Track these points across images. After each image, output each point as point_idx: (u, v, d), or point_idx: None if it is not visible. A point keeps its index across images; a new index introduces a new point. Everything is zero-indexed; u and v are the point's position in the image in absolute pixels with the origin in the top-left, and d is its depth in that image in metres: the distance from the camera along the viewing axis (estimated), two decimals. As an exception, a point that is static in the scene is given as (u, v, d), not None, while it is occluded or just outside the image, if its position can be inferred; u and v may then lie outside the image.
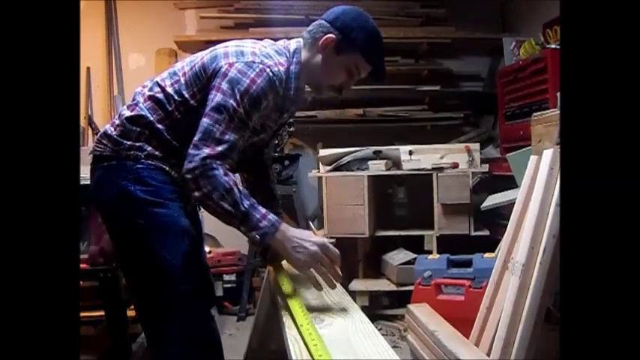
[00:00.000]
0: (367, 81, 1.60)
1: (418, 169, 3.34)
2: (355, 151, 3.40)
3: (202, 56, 1.47)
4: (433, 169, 3.27)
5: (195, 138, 1.33)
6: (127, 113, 1.45)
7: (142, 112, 1.43)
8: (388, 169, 3.35)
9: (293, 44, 1.51)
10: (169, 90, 1.44)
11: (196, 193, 1.32)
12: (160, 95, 1.45)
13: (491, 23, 4.08)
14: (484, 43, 4.01)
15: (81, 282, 1.94)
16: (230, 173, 1.34)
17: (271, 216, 1.34)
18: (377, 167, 3.32)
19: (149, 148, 1.42)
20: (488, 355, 1.74)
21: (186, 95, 1.43)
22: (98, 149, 1.47)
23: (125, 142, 1.42)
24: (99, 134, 1.50)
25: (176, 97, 1.44)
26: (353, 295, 3.07)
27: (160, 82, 1.47)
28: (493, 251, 2.45)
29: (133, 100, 1.49)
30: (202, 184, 1.31)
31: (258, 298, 2.37)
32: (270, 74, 1.37)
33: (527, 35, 3.33)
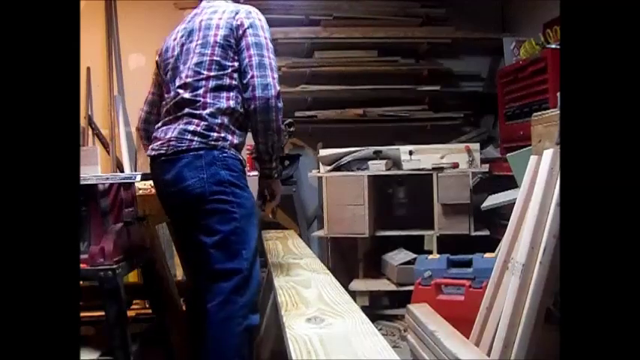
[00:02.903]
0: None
1: (418, 169, 3.34)
2: (355, 151, 3.40)
3: (213, 33, 1.72)
4: (433, 169, 3.26)
5: (254, 71, 1.67)
6: (204, 112, 1.67)
7: (216, 104, 1.67)
8: (388, 169, 3.35)
9: None
10: (213, 73, 1.69)
11: (272, 122, 1.68)
12: (213, 82, 1.69)
13: (491, 23, 4.07)
14: (484, 43, 4.01)
15: (81, 282, 1.94)
16: None
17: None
18: (377, 167, 3.31)
19: (230, 138, 1.68)
20: (489, 355, 1.74)
21: (229, 63, 1.71)
22: (183, 144, 1.65)
23: (212, 134, 1.65)
24: (175, 135, 1.68)
25: (225, 71, 1.70)
26: (353, 295, 3.07)
27: (197, 78, 1.70)
28: (493, 251, 2.45)
29: (195, 103, 1.68)
30: (279, 116, 1.69)
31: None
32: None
33: (527, 35, 3.33)
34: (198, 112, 1.67)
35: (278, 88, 1.68)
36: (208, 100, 1.68)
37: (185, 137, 1.66)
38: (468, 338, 1.89)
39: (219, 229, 1.64)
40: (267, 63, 1.68)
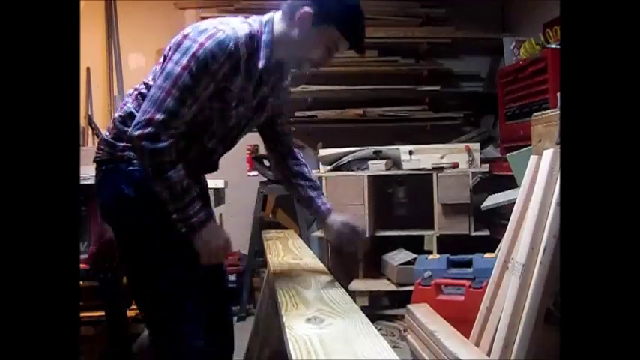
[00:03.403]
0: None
1: (418, 169, 3.34)
2: (355, 151, 3.40)
3: (174, 40, 1.45)
4: (433, 169, 3.26)
5: (144, 104, 1.34)
6: (117, 115, 1.49)
7: (130, 110, 1.45)
8: (388, 169, 3.35)
9: (266, 16, 1.49)
10: (151, 83, 1.43)
11: (144, 167, 1.34)
12: (144, 90, 1.46)
13: (491, 23, 4.08)
14: (484, 43, 4.01)
15: (81, 282, 1.94)
16: (170, 147, 1.33)
17: (202, 214, 1.38)
18: (377, 167, 3.31)
19: None
20: (489, 355, 1.74)
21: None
22: (97, 155, 1.50)
23: (118, 144, 1.44)
24: (98, 141, 1.56)
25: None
26: (353, 295, 3.07)
27: (145, 80, 1.50)
28: (493, 251, 2.45)
29: (123, 103, 1.52)
30: (147, 162, 1.33)
31: (258, 298, 2.37)
32: (222, 36, 1.34)
33: (527, 35, 3.33)
34: (116, 114, 1.51)
35: (152, 130, 1.30)
36: (128, 104, 1.47)
37: (100, 146, 1.50)
38: (468, 338, 1.89)
39: (125, 255, 1.49)
40: (157, 97, 1.32)
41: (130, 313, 2.42)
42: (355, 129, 3.87)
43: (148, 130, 1.30)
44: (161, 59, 1.47)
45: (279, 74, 1.55)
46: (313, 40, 1.45)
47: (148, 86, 1.45)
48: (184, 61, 1.32)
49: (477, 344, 1.85)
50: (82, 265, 1.70)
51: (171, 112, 1.32)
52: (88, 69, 3.89)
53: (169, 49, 1.41)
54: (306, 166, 1.74)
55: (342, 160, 3.39)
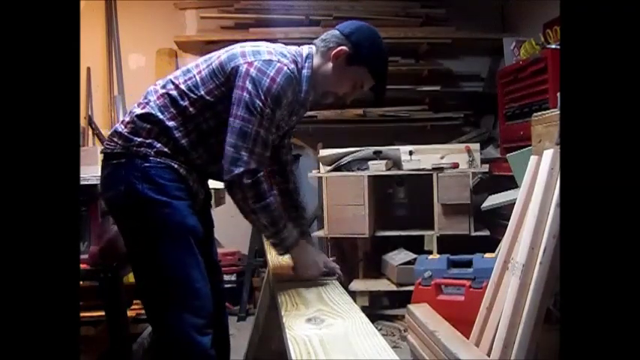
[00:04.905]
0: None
1: (418, 169, 3.34)
2: (355, 151, 3.40)
3: (219, 55, 1.52)
4: (433, 169, 3.27)
5: (231, 139, 1.40)
6: (138, 111, 1.49)
7: (153, 110, 1.47)
8: (388, 169, 3.35)
9: (305, 50, 1.58)
10: (183, 87, 1.48)
11: (240, 202, 1.43)
12: (174, 92, 1.49)
13: (491, 23, 4.08)
14: (484, 43, 4.01)
15: (81, 282, 1.94)
16: (264, 175, 1.44)
17: (294, 233, 1.53)
18: (377, 167, 3.31)
19: (158, 145, 1.45)
20: (489, 355, 1.74)
21: (202, 92, 1.47)
22: (109, 147, 1.49)
23: (135, 138, 1.45)
24: (110, 132, 1.53)
25: (191, 94, 1.47)
26: (353, 295, 3.07)
27: (173, 80, 1.52)
28: (493, 251, 2.45)
29: (145, 98, 1.52)
30: (250, 195, 1.41)
31: (258, 298, 2.37)
32: (288, 72, 1.44)
33: (528, 35, 3.33)
34: (135, 109, 1.50)
35: (254, 166, 1.39)
36: (152, 103, 1.48)
37: (113, 138, 1.49)
38: (468, 338, 1.89)
39: (134, 250, 1.50)
40: (247, 132, 1.39)
41: (130, 313, 2.42)
42: (355, 129, 3.88)
43: (253, 166, 1.40)
44: (198, 64, 1.53)
45: (307, 105, 1.66)
46: (345, 76, 1.56)
47: (177, 88, 1.48)
48: (262, 95, 1.40)
49: (477, 344, 1.85)
50: (82, 265, 1.69)
51: (264, 146, 1.42)
52: (88, 69, 3.89)
53: (230, 70, 1.45)
54: (296, 187, 1.87)
55: (342, 160, 3.39)
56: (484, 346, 1.80)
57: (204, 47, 3.82)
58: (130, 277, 2.82)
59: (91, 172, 1.92)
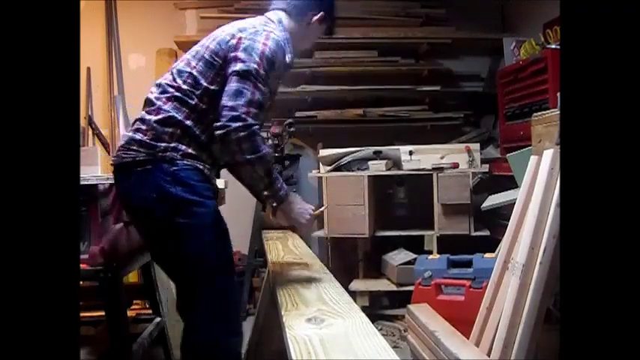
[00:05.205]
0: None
1: (418, 169, 3.34)
2: (355, 151, 3.40)
3: (206, 46, 1.56)
4: (433, 169, 3.26)
5: (227, 98, 1.43)
6: (154, 117, 1.50)
7: (170, 113, 1.49)
8: (388, 169, 3.35)
9: (274, 16, 1.66)
10: (185, 87, 1.51)
11: (237, 156, 1.44)
12: (178, 94, 1.51)
13: (491, 23, 4.07)
14: (484, 43, 4.01)
15: (81, 282, 1.94)
16: (260, 129, 1.48)
17: (284, 185, 1.57)
18: (377, 167, 3.31)
19: (183, 147, 1.48)
20: (489, 355, 1.74)
21: (205, 83, 1.51)
22: (128, 156, 1.49)
23: (159, 144, 1.47)
24: (125, 142, 1.52)
25: (195, 90, 1.51)
26: (353, 295, 3.07)
27: (170, 84, 1.54)
28: (493, 251, 2.45)
29: (152, 105, 1.54)
30: (245, 147, 1.42)
31: (258, 298, 2.37)
32: (275, 37, 1.53)
33: (528, 35, 3.33)
34: (149, 116, 1.51)
35: (250, 121, 1.42)
36: (165, 107, 1.50)
37: (132, 147, 1.49)
38: (468, 338, 1.89)
39: (174, 252, 1.50)
40: (244, 93, 1.44)
41: (130, 313, 2.42)
42: (355, 129, 3.87)
43: (249, 121, 1.42)
44: (188, 60, 1.56)
45: (290, 65, 1.71)
46: (316, 34, 1.75)
47: (179, 89, 1.51)
48: (256, 59, 1.47)
49: (477, 344, 1.85)
50: (82, 265, 1.69)
51: (260, 105, 1.46)
52: (88, 69, 3.89)
53: (224, 53, 1.50)
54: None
55: (342, 160, 3.39)
56: (484, 346, 1.80)
57: (204, 47, 3.83)
58: (130, 277, 2.83)
59: (91, 172, 1.92)
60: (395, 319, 3.20)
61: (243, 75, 1.45)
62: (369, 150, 3.40)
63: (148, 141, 1.48)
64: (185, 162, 1.47)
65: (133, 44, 3.97)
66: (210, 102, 1.50)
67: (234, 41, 1.50)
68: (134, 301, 2.79)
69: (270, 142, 3.21)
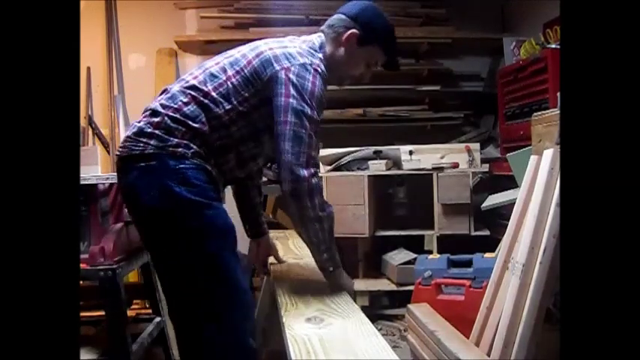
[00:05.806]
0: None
1: (418, 169, 3.34)
2: (355, 151, 3.40)
3: (248, 59, 1.48)
4: (433, 169, 3.26)
5: (286, 145, 1.39)
6: (170, 113, 1.42)
7: (186, 115, 1.42)
8: (388, 169, 3.35)
9: (316, 40, 1.58)
10: (214, 94, 1.44)
11: (308, 210, 1.44)
12: (205, 100, 1.44)
13: (491, 23, 4.07)
14: (484, 43, 4.01)
15: (81, 282, 1.94)
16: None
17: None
18: (377, 167, 3.31)
19: (195, 147, 1.41)
20: (489, 355, 1.74)
21: (235, 101, 1.45)
22: (136, 147, 1.40)
23: (172, 139, 1.39)
24: (133, 132, 1.44)
25: (225, 103, 1.44)
26: (353, 295, 3.07)
27: (199, 86, 1.46)
28: (493, 251, 2.45)
29: (172, 99, 1.45)
30: (318, 202, 1.45)
31: (258, 298, 2.37)
32: (321, 72, 1.47)
33: (528, 35, 3.33)
34: (164, 111, 1.42)
35: (313, 169, 1.41)
36: (185, 108, 1.43)
37: (140, 138, 1.40)
38: (468, 338, 1.89)
39: (176, 255, 1.41)
40: (302, 137, 1.39)
41: (130, 313, 2.42)
42: (355, 129, 3.87)
43: (313, 170, 1.41)
44: (223, 66, 1.49)
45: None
46: (358, 58, 1.61)
47: (208, 95, 1.44)
48: (307, 99, 1.42)
49: (477, 344, 1.85)
50: (82, 265, 1.69)
51: (316, 150, 1.46)
52: (88, 69, 3.89)
53: (268, 78, 1.44)
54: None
55: (342, 160, 3.39)
56: (484, 346, 1.80)
57: (205, 47, 3.82)
58: (130, 277, 2.83)
59: (91, 171, 1.92)
60: (395, 318, 3.19)
61: (298, 115, 1.40)
62: (369, 150, 3.40)
63: (159, 133, 1.39)
64: (194, 161, 1.40)
65: (133, 44, 3.97)
66: (235, 120, 1.45)
67: (281, 70, 1.43)
68: (134, 301, 2.79)
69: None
